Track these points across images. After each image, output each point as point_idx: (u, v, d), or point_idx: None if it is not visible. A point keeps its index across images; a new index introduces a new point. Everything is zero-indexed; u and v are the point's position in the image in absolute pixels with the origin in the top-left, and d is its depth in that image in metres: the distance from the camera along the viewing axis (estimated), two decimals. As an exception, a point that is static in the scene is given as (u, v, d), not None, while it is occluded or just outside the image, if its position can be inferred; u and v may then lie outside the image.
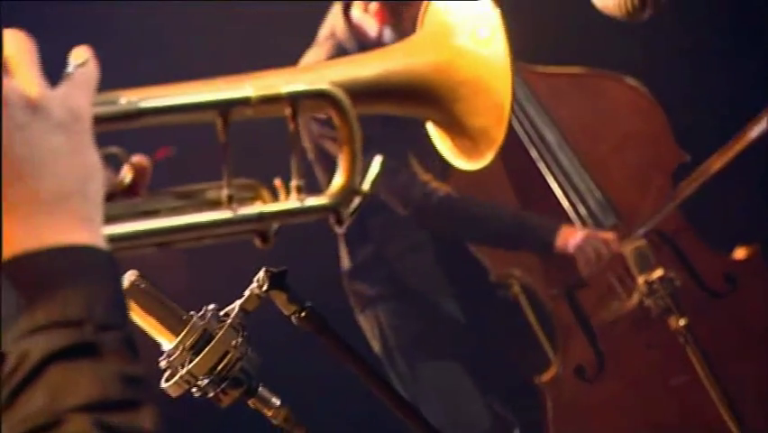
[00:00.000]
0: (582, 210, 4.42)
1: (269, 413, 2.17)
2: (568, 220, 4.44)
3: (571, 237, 4.32)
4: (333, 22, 4.74)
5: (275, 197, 1.50)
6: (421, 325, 4.64)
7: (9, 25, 1.63)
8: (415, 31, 4.71)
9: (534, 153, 4.51)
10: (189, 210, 1.46)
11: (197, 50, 7.21)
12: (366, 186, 1.48)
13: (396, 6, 4.46)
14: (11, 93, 1.31)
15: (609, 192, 4.54)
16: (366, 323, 4.80)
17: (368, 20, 4.65)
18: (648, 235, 4.39)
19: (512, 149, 4.54)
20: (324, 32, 4.73)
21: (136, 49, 7.31)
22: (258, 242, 1.65)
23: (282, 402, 2.16)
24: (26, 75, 1.34)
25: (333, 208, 1.47)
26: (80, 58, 1.39)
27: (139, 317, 2.09)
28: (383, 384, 2.29)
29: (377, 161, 1.50)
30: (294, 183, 1.49)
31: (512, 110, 1.52)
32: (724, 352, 4.37)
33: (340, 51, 4.57)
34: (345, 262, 4.87)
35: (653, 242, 4.45)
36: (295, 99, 1.44)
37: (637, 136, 4.51)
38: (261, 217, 1.46)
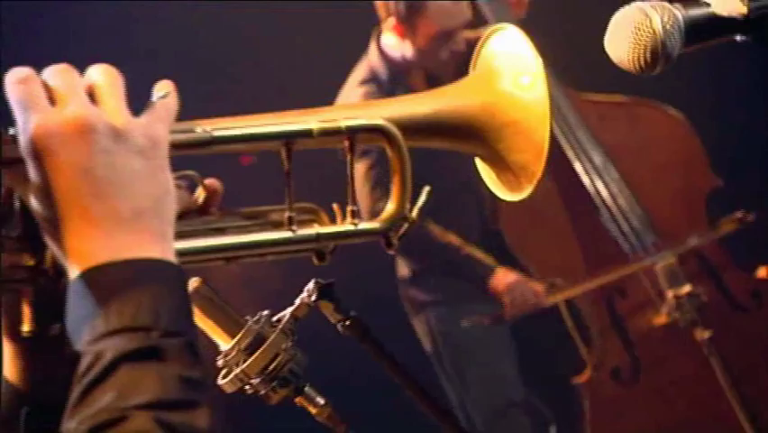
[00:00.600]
0: (625, 227, 4.57)
1: (314, 411, 2.24)
2: (611, 236, 4.58)
3: (504, 278, 4.51)
4: (370, 48, 5.06)
5: (332, 220, 1.60)
6: (467, 329, 4.84)
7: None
8: (431, 45, 4.17)
9: (580, 171, 4.62)
10: (254, 229, 1.58)
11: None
12: (414, 213, 1.58)
13: (410, 19, 4.58)
14: (98, 120, 1.39)
15: (650, 212, 4.68)
16: (419, 326, 5.02)
17: (390, 38, 4.87)
18: (682, 253, 4.61)
19: (563, 169, 4.67)
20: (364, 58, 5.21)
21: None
22: (315, 259, 1.77)
23: (326, 401, 2.23)
24: (112, 104, 1.43)
25: (384, 233, 1.59)
26: (163, 90, 1.48)
27: (199, 319, 2.17)
28: (418, 388, 2.26)
29: (425, 192, 1.62)
30: (349, 208, 1.57)
31: (551, 148, 1.58)
32: (749, 363, 4.52)
33: (372, 75, 4.80)
34: (403, 271, 5.01)
35: (687, 258, 4.59)
36: (352, 132, 1.55)
37: (675, 162, 4.67)
38: (318, 238, 1.56)
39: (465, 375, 4.94)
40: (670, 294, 4.47)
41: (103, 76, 1.44)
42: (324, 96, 5.32)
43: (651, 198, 4.73)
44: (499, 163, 1.67)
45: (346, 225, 1.57)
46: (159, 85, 1.50)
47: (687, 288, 4.46)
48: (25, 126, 1.40)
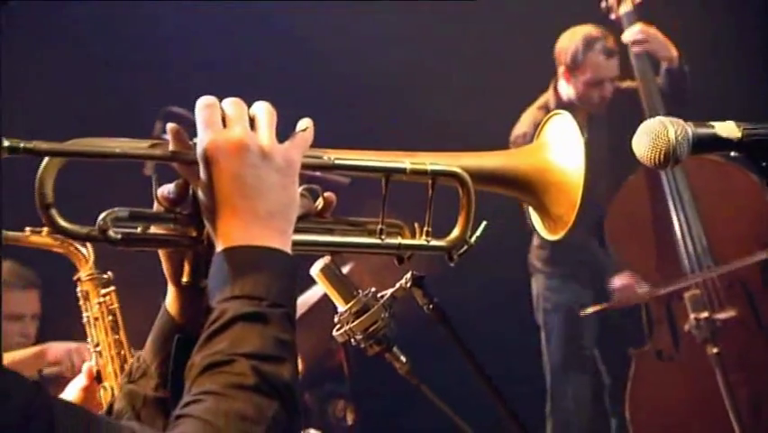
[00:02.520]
0: (690, 248, 5.11)
1: (398, 365, 2.50)
2: (678, 253, 5.12)
3: (620, 279, 5.37)
4: (551, 86, 5.62)
5: (412, 235, 1.79)
6: (560, 299, 5.60)
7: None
8: (587, 89, 4.47)
9: (670, 203, 5.18)
10: (354, 234, 1.78)
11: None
12: (473, 239, 1.78)
13: (573, 68, 5.35)
14: (252, 142, 1.59)
15: (713, 244, 5.13)
16: (534, 285, 5.73)
17: (561, 80, 5.49)
18: (726, 277, 5.03)
19: (658, 197, 5.19)
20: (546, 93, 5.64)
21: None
22: (396, 262, 1.81)
23: (407, 360, 2.49)
24: (265, 132, 1.62)
25: (448, 250, 1.78)
26: (304, 125, 1.68)
27: (325, 286, 2.42)
28: (476, 363, 2.49)
29: (483, 225, 1.80)
30: (426, 228, 1.77)
31: (581, 206, 1.75)
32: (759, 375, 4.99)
33: (544, 107, 5.45)
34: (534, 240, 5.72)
35: (730, 281, 5.05)
36: (435, 174, 1.74)
37: (746, 214, 5.10)
38: (399, 247, 1.77)
39: (551, 327, 5.66)
40: (692, 316, 4.95)
41: (262, 110, 1.65)
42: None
43: (718, 235, 5.16)
44: (543, 211, 1.85)
45: (421, 241, 1.77)
46: (302, 121, 1.68)
47: (705, 314, 4.92)
48: (202, 139, 1.59)
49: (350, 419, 5.60)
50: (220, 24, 6.83)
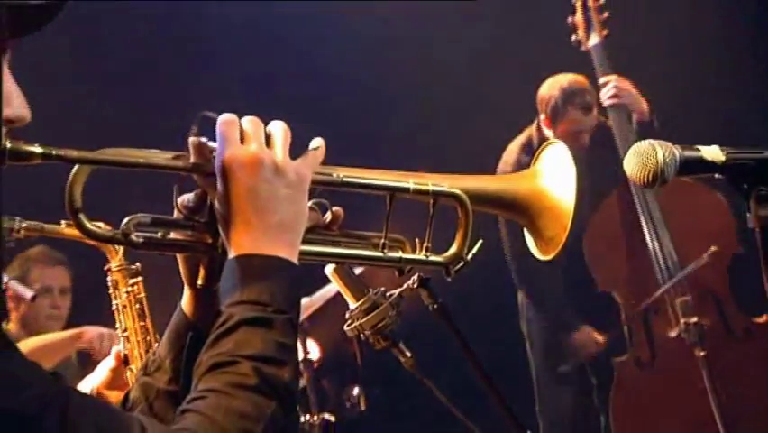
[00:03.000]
0: (662, 264, 5.31)
1: (403, 359, 2.54)
2: (652, 268, 5.31)
3: (581, 336, 5.63)
4: (534, 125, 5.73)
5: (413, 249, 1.83)
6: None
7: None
8: (565, 138, 4.76)
9: (643, 222, 5.40)
10: (359, 247, 1.81)
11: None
12: (469, 256, 1.82)
13: (554, 118, 5.53)
14: (267, 158, 1.61)
15: (682, 258, 5.32)
16: (519, 295, 5.89)
17: (543, 126, 5.61)
18: (699, 291, 5.23)
19: (630, 214, 5.43)
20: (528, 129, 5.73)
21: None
22: (397, 274, 1.83)
23: (411, 354, 2.55)
24: (279, 149, 1.64)
25: (446, 266, 1.82)
26: (316, 144, 1.71)
27: (338, 284, 2.48)
28: (476, 360, 2.57)
29: (479, 244, 1.84)
30: (425, 244, 1.81)
31: (571, 230, 1.82)
32: (733, 380, 5.05)
33: (528, 143, 5.66)
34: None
35: (703, 295, 5.25)
36: (436, 195, 1.77)
37: (711, 230, 5.33)
38: (400, 261, 1.80)
39: (534, 336, 5.85)
40: (682, 321, 5.17)
41: (278, 128, 1.68)
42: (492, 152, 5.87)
43: (686, 249, 5.36)
44: (536, 233, 1.89)
45: (421, 256, 1.81)
46: (315, 140, 1.72)
47: (694, 319, 5.14)
48: (220, 153, 1.62)
49: (362, 405, 5.72)
50: (257, 29, 6.88)
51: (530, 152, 5.53)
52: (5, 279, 3.92)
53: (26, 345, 4.54)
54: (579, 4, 5.68)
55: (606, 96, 5.53)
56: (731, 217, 5.18)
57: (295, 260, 1.64)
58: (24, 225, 2.94)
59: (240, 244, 1.63)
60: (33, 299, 4.53)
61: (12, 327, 5.02)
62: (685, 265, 5.32)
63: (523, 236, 1.96)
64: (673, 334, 5.22)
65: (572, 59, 5.82)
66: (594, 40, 5.63)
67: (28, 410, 1.33)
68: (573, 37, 5.72)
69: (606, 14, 5.62)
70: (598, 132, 5.66)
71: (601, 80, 5.58)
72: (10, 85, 1.51)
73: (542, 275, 5.53)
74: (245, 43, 7.02)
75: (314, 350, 5.49)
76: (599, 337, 5.60)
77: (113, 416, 1.45)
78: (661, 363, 5.39)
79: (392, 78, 6.63)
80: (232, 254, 1.63)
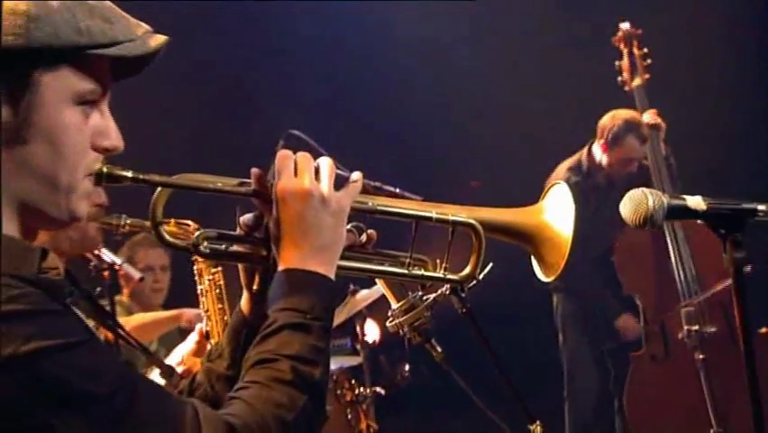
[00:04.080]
0: (682, 276, 5.71)
1: (434, 354, 2.73)
2: (673, 279, 5.73)
3: (625, 321, 6.06)
4: (585, 148, 6.08)
5: (434, 268, 1.95)
6: (577, 310, 6.16)
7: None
8: (618, 163, 5.31)
9: (668, 240, 5.80)
10: (387, 264, 1.94)
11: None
12: (480, 276, 1.95)
13: (612, 144, 5.99)
14: (315, 190, 1.72)
15: (700, 273, 5.76)
16: (555, 297, 6.25)
17: (597, 149, 6.04)
18: (710, 303, 5.57)
19: (657, 235, 5.78)
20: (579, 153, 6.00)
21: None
22: (420, 288, 2.06)
23: (442, 350, 2.77)
24: (326, 182, 1.75)
25: (460, 283, 1.95)
26: (356, 177, 1.82)
27: (383, 287, 2.70)
28: (496, 356, 2.82)
29: (489, 266, 1.96)
30: (444, 264, 1.93)
31: (569, 258, 1.96)
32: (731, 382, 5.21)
33: (577, 165, 6.15)
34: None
35: (713, 307, 5.57)
36: (454, 224, 1.89)
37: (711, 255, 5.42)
38: (422, 277, 1.92)
39: (567, 337, 6.24)
40: (685, 327, 5.56)
41: (325, 163, 1.79)
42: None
43: (706, 268, 5.77)
44: (539, 259, 2.00)
45: (440, 273, 1.94)
46: (354, 173, 1.84)
47: (696, 326, 5.48)
48: (277, 183, 1.74)
49: (410, 378, 6.14)
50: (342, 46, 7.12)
51: (578, 173, 6.04)
52: (119, 261, 4.36)
53: (138, 319, 5.05)
54: (626, 51, 6.18)
55: (649, 121, 5.92)
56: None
57: (332, 276, 1.74)
58: (129, 221, 3.24)
59: (287, 259, 1.73)
60: (141, 279, 4.95)
61: (124, 298, 5.50)
62: (701, 279, 5.70)
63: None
64: (681, 336, 5.51)
65: (614, 98, 6.24)
66: (637, 81, 6.08)
67: (103, 391, 1.43)
68: (619, 78, 6.15)
69: (648, 61, 6.08)
70: (639, 167, 6.03)
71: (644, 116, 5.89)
72: (109, 121, 1.63)
73: (585, 275, 5.86)
74: (330, 62, 7.24)
75: (374, 331, 5.81)
76: (636, 324, 5.92)
77: (171, 399, 1.55)
78: (671, 361, 5.73)
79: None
80: (280, 268, 1.72)
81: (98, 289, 4.17)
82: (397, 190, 4.05)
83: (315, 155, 1.83)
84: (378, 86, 7.35)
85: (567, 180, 5.56)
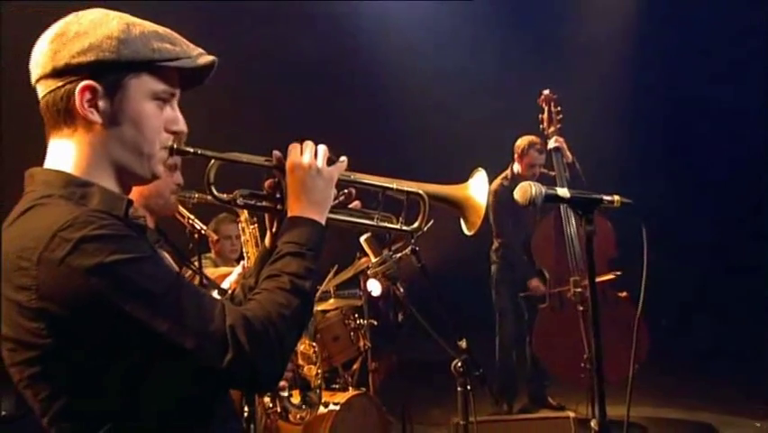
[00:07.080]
0: (572, 256, 7.09)
1: (398, 293, 3.28)
2: (567, 259, 6.93)
3: (533, 282, 7.49)
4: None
5: (395, 222, 2.23)
6: (506, 276, 7.24)
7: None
8: (527, 169, 6.35)
9: (565, 233, 7.27)
10: (364, 217, 2.18)
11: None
12: (425, 228, 2.23)
13: (521, 156, 7.48)
14: (313, 164, 1.93)
15: (584, 256, 5.55)
16: (492, 268, 7.20)
17: (516, 164, 7.30)
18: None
19: (559, 228, 7.17)
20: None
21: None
22: (389, 248, 2.36)
23: (403, 290, 3.19)
24: (321, 160, 1.99)
25: (411, 233, 2.23)
26: (342, 159, 2.06)
27: (366, 247, 3.01)
28: (444, 300, 3.15)
29: (431, 222, 2.23)
30: (401, 219, 2.19)
31: (486, 218, 2.14)
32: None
33: (506, 175, 7.08)
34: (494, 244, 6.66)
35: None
36: (408, 193, 2.18)
37: (603, 239, 6.94)
38: (387, 228, 2.18)
39: (499, 294, 7.44)
40: (572, 289, 6.60)
41: (321, 148, 2.02)
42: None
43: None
44: (465, 219, 2.30)
45: (398, 225, 2.23)
46: (342, 158, 2.07)
47: (579, 289, 6.31)
48: (288, 159, 1.96)
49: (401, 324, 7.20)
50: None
51: (507, 180, 7.04)
52: (205, 228, 4.74)
53: (222, 270, 5.51)
54: (546, 108, 7.45)
55: (553, 144, 6.88)
56: (612, 233, 6.59)
57: (323, 222, 1.91)
58: (196, 195, 3.67)
59: (293, 210, 1.90)
60: (217, 241, 5.73)
61: (213, 255, 6.33)
62: (585, 261, 5.81)
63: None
64: (569, 295, 6.17)
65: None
66: (552, 128, 7.35)
67: (159, 290, 1.56)
68: (541, 126, 7.30)
69: (560, 117, 7.05)
70: (543, 175, 6.97)
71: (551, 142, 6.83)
72: (177, 112, 1.82)
73: (514, 253, 6.91)
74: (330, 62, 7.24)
75: (376, 287, 6.65)
76: (542, 286, 6.84)
77: (206, 298, 1.67)
78: (564, 312, 6.72)
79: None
80: (288, 215, 1.94)
81: (191, 245, 4.59)
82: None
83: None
84: (370, 86, 7.45)
85: (500, 185, 6.63)
